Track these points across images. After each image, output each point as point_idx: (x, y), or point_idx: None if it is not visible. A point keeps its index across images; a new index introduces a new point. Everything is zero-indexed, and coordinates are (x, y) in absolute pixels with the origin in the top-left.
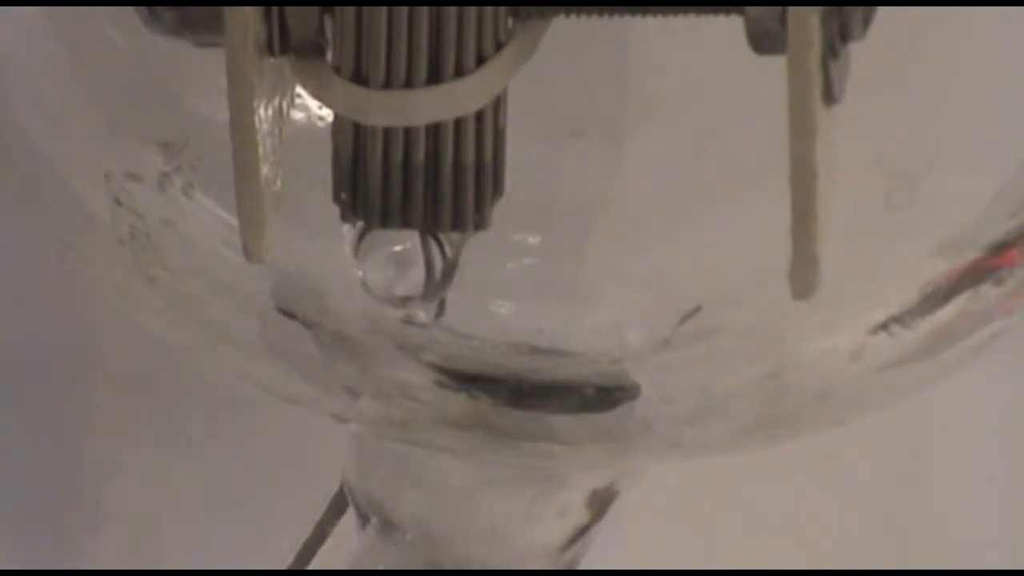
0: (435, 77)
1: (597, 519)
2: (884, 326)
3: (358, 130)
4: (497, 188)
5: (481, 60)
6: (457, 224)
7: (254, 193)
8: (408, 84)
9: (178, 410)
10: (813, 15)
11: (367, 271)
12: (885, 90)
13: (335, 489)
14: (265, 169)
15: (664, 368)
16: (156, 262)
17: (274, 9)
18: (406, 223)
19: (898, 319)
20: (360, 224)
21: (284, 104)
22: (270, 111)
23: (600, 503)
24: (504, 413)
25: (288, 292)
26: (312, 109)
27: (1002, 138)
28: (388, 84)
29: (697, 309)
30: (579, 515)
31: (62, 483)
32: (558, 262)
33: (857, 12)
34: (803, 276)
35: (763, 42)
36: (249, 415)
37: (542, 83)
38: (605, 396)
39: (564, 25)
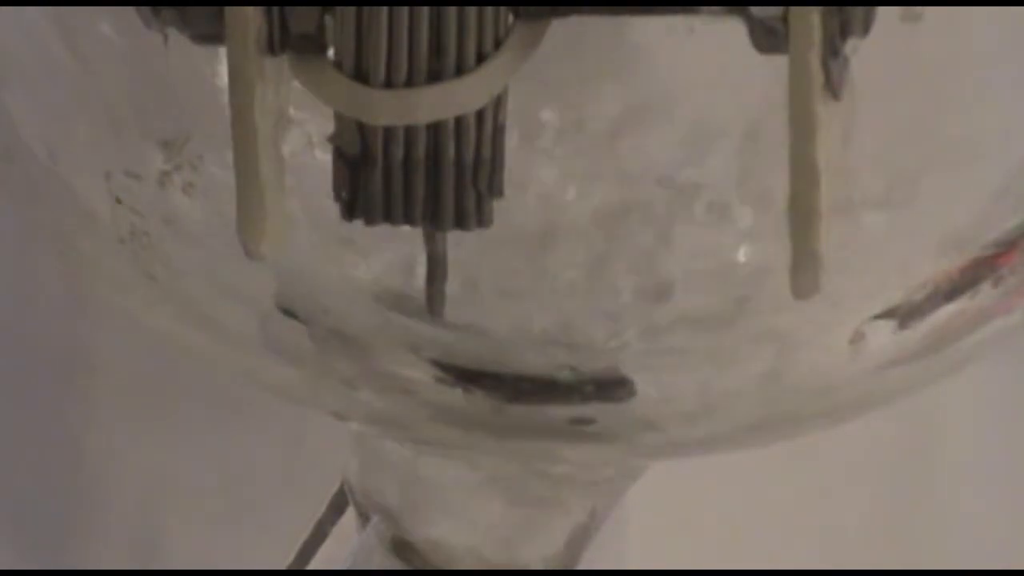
0: (436, 75)
1: (596, 520)
2: (884, 325)
3: (358, 128)
4: (498, 186)
5: (482, 58)
6: (459, 222)
7: (254, 191)
8: (409, 82)
9: (178, 410)
10: (814, 14)
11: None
12: (885, 88)
13: (335, 488)
14: (265, 167)
15: (664, 367)
16: (156, 260)
17: (275, 8)
18: (407, 221)
19: (898, 317)
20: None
21: (284, 104)
22: (271, 110)
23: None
24: (503, 411)
25: (288, 290)
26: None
27: (1002, 138)
28: (389, 82)
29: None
30: (578, 515)
31: (62, 483)
32: (557, 259)
33: (858, 11)
34: (804, 275)
35: (765, 41)
36: (249, 415)
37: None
38: (604, 394)
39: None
